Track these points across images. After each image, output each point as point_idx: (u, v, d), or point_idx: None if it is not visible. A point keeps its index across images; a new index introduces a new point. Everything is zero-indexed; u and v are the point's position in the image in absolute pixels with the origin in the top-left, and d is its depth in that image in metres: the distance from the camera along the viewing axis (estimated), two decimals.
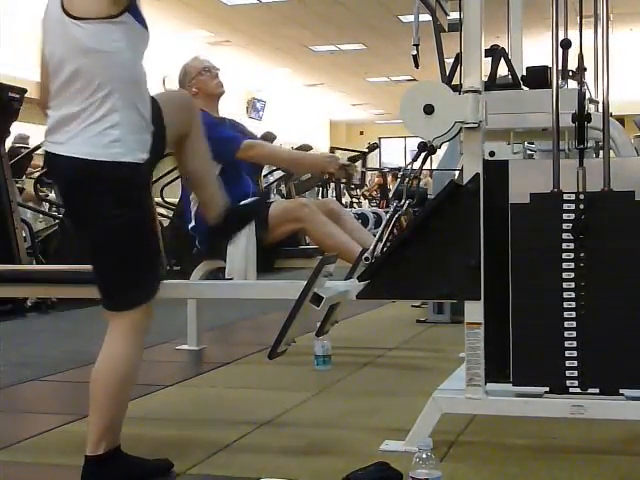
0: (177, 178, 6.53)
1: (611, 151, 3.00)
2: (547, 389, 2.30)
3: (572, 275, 2.26)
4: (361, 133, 25.09)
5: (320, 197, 9.87)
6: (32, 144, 8.51)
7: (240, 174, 3.63)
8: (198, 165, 2.62)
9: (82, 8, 2.07)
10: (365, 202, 14.05)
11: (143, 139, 2.14)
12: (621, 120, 3.83)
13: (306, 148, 8.56)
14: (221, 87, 3.79)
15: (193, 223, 3.55)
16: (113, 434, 2.11)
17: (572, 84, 3.02)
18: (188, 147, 2.54)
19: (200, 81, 3.71)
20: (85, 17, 2.06)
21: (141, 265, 2.15)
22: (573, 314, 2.26)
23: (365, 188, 14.77)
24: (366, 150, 7.86)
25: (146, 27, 2.15)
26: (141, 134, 2.14)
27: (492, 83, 2.71)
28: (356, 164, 4.98)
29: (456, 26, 2.42)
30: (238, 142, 3.55)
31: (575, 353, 2.25)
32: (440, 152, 5.99)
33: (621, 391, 2.26)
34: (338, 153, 7.20)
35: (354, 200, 13.36)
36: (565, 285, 2.27)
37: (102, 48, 2.07)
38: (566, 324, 2.26)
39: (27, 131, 9.28)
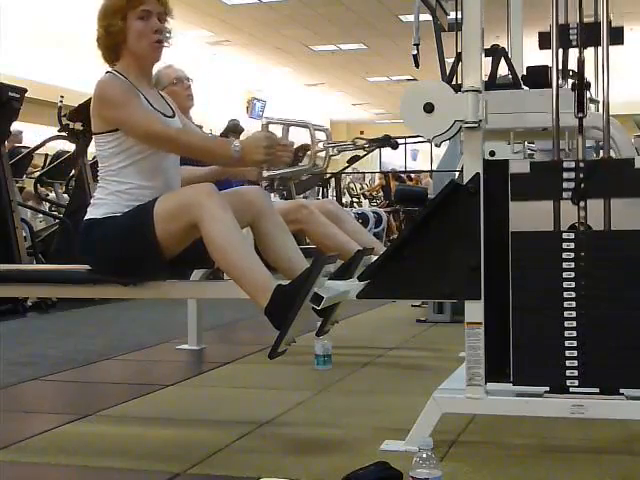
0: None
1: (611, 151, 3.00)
2: (547, 389, 2.30)
3: (572, 275, 2.26)
4: (361, 133, 25.09)
5: (320, 197, 9.86)
6: (28, 141, 8.50)
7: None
8: (273, 246, 2.70)
9: None
10: (365, 202, 14.04)
11: None
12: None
13: (306, 148, 8.53)
14: (191, 100, 3.82)
15: None
16: (260, 283, 2.33)
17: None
18: (259, 233, 2.68)
19: (172, 91, 3.66)
20: None
21: None
22: (573, 314, 2.26)
23: (366, 188, 14.79)
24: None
25: None
26: None
27: (492, 83, 2.71)
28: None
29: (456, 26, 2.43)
30: None
31: (575, 353, 2.25)
32: (440, 152, 6.00)
33: (621, 391, 2.26)
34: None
35: (354, 200, 13.37)
36: (565, 285, 2.26)
37: None
38: (566, 324, 2.26)
39: (26, 131, 9.26)
